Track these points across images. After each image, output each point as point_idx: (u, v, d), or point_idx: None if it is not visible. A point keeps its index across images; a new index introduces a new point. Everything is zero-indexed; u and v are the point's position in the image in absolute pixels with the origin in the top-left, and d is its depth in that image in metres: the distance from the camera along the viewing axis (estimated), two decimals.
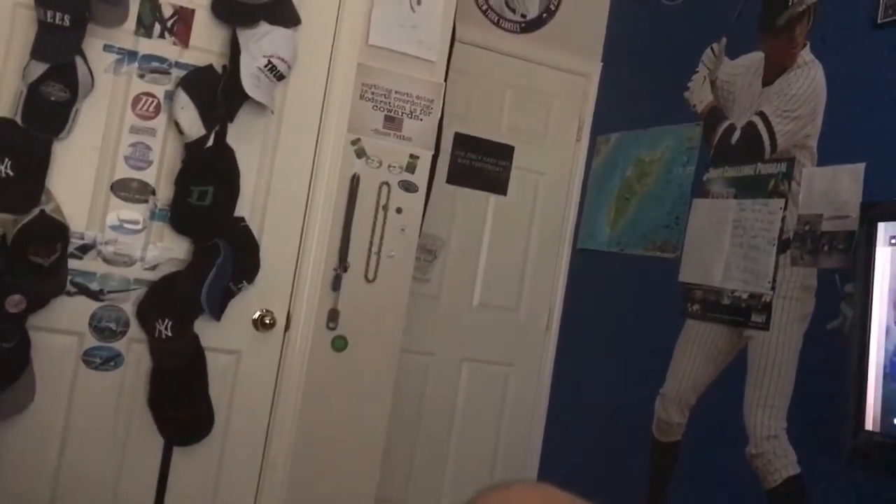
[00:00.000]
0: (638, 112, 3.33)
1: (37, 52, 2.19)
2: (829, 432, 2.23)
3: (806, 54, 2.53)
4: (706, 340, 2.76)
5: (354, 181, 2.60)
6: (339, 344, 2.61)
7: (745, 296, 2.62)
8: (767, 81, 2.69)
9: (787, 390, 2.41)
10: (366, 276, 2.64)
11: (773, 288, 2.51)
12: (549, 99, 3.53)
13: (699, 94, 3.00)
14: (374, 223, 2.64)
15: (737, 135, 2.78)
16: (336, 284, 2.59)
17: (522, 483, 0.39)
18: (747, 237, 2.65)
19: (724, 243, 2.73)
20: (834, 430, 2.17)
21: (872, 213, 2.06)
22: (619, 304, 3.25)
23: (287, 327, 2.56)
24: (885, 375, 1.94)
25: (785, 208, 2.52)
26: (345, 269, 2.60)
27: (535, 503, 0.36)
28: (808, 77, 2.52)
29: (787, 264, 2.48)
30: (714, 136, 2.89)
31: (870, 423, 1.97)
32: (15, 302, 2.18)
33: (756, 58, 2.76)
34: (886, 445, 1.94)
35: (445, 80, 2.72)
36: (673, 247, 2.98)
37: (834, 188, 2.36)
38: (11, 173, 2.19)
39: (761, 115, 2.68)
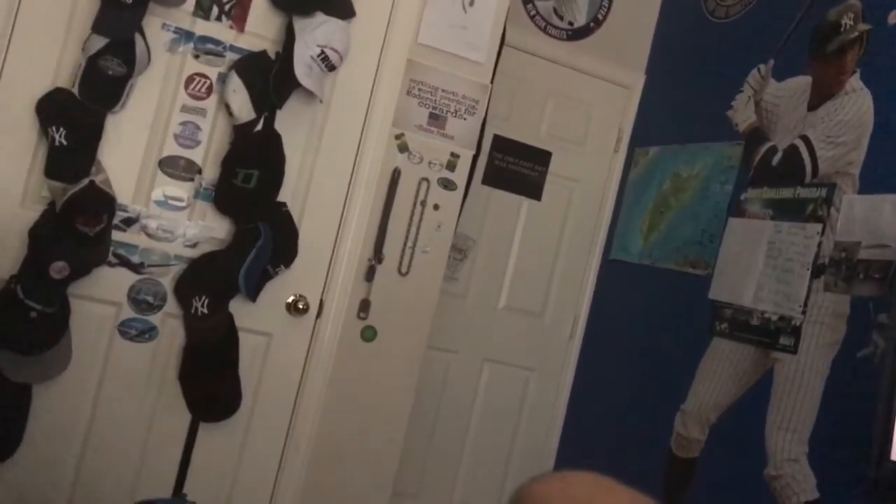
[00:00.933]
0: (678, 127, 3.34)
1: (98, 27, 2.23)
2: (851, 460, 2.23)
3: (855, 81, 2.53)
4: (732, 359, 2.76)
5: (395, 175, 2.63)
6: (369, 334, 2.64)
7: (774, 318, 2.62)
8: (813, 106, 2.69)
9: (810, 415, 2.42)
10: (399, 270, 2.67)
11: (804, 312, 2.51)
12: (589, 108, 3.55)
13: (742, 114, 3.00)
14: (411, 218, 2.67)
15: (778, 157, 2.79)
16: (370, 275, 2.62)
17: (576, 472, 0.39)
18: (781, 259, 2.65)
19: (758, 264, 2.73)
20: (856, 457, 2.18)
21: None
22: (646, 317, 3.26)
23: (319, 314, 2.60)
24: None
25: (822, 233, 2.52)
26: (379, 261, 2.63)
27: (589, 490, 0.36)
28: (856, 104, 2.52)
29: (819, 290, 2.48)
30: (755, 156, 2.89)
31: (895, 453, 1.97)
32: (59, 268, 2.22)
33: (803, 81, 2.76)
34: None
35: (492, 83, 2.75)
36: (705, 264, 2.99)
37: (874, 217, 2.36)
38: (65, 143, 2.23)
39: (804, 138, 2.68)
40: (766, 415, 2.56)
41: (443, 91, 2.66)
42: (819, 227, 2.54)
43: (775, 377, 2.57)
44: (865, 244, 2.36)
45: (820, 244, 2.52)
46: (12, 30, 2.23)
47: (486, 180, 3.39)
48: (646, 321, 3.25)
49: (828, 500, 2.30)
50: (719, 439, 2.75)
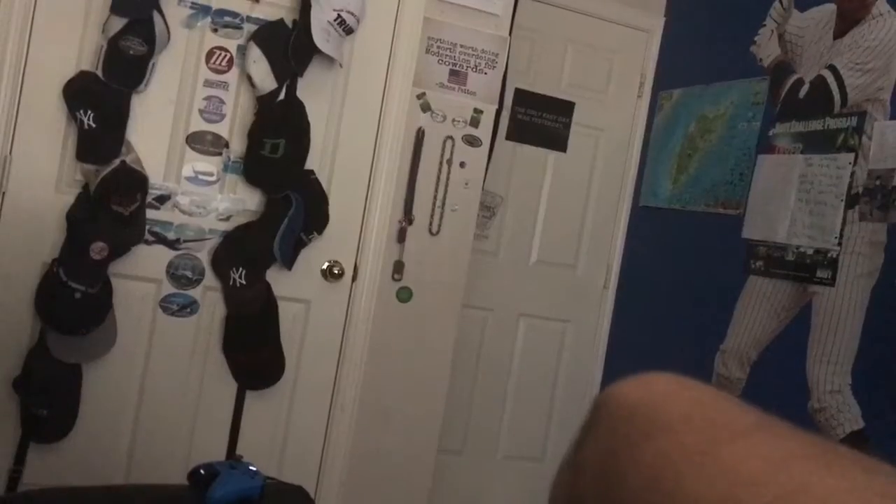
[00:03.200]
0: (701, 67, 3.29)
1: (116, 7, 2.25)
2: (895, 388, 2.23)
3: (882, 5, 2.48)
4: (769, 296, 2.75)
5: (419, 135, 2.64)
6: (404, 295, 2.67)
7: (810, 252, 2.60)
8: (839, 34, 2.64)
9: (852, 346, 2.41)
10: (430, 230, 2.69)
11: (839, 244, 2.49)
12: (610, 55, 3.51)
13: (766, 49, 2.95)
14: (438, 177, 2.68)
15: (805, 89, 2.74)
16: (401, 237, 2.64)
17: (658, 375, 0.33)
18: (814, 192, 2.62)
19: (790, 199, 2.71)
20: None
21: None
22: (680, 261, 3.25)
23: (354, 278, 2.63)
24: None
25: (854, 163, 2.49)
26: (409, 222, 2.65)
27: (672, 387, 0.33)
28: (884, 28, 2.47)
29: (855, 220, 2.46)
30: (781, 90, 2.85)
31: None
32: (98, 249, 2.27)
33: (827, 10, 2.70)
34: None
35: (510, 34, 2.73)
36: (736, 203, 2.97)
37: None
38: (94, 125, 2.27)
39: (832, 68, 2.64)
40: (806, 349, 2.55)
41: (461, 47, 2.65)
42: (851, 156, 2.50)
43: (814, 311, 2.56)
44: None
45: (853, 174, 2.49)
46: (33, 17, 2.26)
47: (511, 136, 3.38)
48: (680, 265, 3.24)
49: (873, 429, 2.30)
50: (761, 377, 2.75)
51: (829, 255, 2.53)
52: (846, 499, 0.24)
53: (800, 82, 2.77)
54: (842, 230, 2.49)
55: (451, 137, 2.67)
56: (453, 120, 2.67)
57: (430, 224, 2.68)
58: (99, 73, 2.28)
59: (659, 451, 0.30)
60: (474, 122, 2.70)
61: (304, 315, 2.58)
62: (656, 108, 3.53)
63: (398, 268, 2.65)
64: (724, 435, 0.29)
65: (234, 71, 2.45)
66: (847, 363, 2.41)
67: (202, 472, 1.54)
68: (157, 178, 2.40)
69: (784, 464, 0.26)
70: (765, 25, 2.97)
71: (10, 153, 2.27)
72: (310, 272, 2.56)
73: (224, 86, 2.45)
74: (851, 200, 2.48)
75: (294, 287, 2.55)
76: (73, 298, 2.24)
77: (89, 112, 2.26)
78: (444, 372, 2.75)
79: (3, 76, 2.23)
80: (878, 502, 0.23)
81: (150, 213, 2.40)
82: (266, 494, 1.52)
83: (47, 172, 2.30)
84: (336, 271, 2.58)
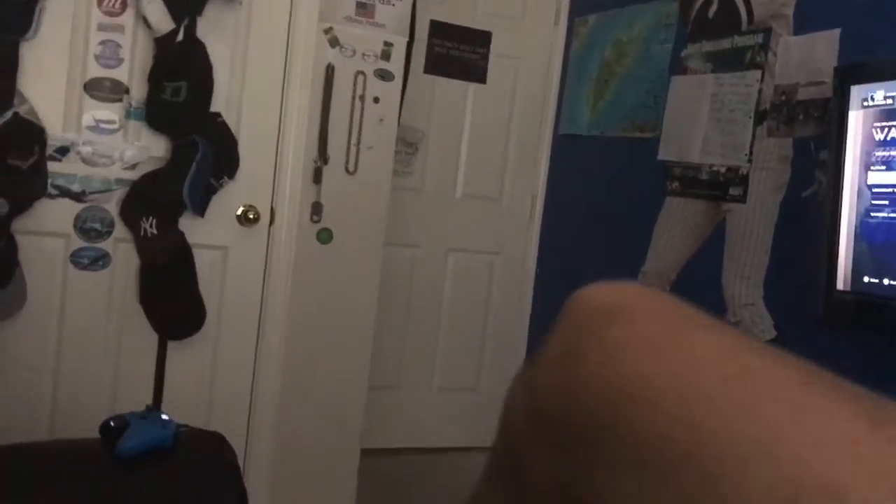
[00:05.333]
0: None
1: None
2: (803, 297, 2.31)
3: None
4: (685, 216, 2.81)
5: (329, 71, 2.58)
6: (324, 236, 2.64)
7: (723, 170, 2.65)
8: None
9: (763, 260, 2.47)
10: (346, 169, 2.65)
11: (749, 160, 2.54)
12: None
13: None
14: (352, 114, 2.63)
15: (714, 8, 2.75)
16: (317, 177, 2.61)
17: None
18: (725, 111, 2.65)
19: (702, 119, 2.74)
20: (808, 294, 2.24)
21: (845, 76, 2.06)
22: (601, 187, 3.28)
23: (271, 221, 2.59)
24: (856, 236, 1.99)
25: (762, 80, 2.52)
26: (325, 162, 2.61)
27: (638, 289, 0.34)
28: None
29: (763, 136, 2.50)
30: (691, 11, 2.85)
31: (841, 283, 2.03)
32: None
33: None
34: (857, 303, 2.01)
35: None
36: (652, 126, 2.99)
37: (810, 56, 2.35)
38: None
39: None
40: (722, 266, 2.62)
41: None
42: (758, 73, 2.53)
43: (727, 228, 2.62)
44: (803, 84, 2.37)
45: (760, 91, 2.52)
46: None
47: (428, 69, 3.33)
48: (601, 191, 3.27)
49: (785, 338, 2.38)
50: (680, 294, 2.78)
51: (740, 172, 2.57)
52: (790, 382, 0.26)
53: (709, 2, 2.78)
54: (751, 147, 2.54)
55: (362, 72, 2.62)
56: (363, 54, 2.61)
57: (347, 163, 2.65)
58: None
59: (619, 336, 0.31)
60: (385, 56, 2.64)
61: (222, 262, 2.55)
62: (573, 35, 3.51)
63: (316, 209, 2.62)
64: (683, 327, 0.31)
65: (129, 12, 2.35)
66: (759, 276, 2.48)
67: (112, 424, 1.52)
68: (55, 129, 2.31)
69: (737, 352, 0.28)
70: None
71: None
72: (225, 218, 2.52)
73: (119, 29, 2.35)
74: (760, 117, 2.52)
75: (209, 234, 2.50)
76: None
77: None
78: (371, 309, 2.75)
79: None
80: (809, 383, 0.26)
81: (52, 166, 2.31)
82: (179, 442, 1.51)
83: None
84: (252, 216, 2.54)
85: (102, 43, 2.34)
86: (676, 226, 2.84)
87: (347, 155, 2.64)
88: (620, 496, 0.27)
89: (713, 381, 0.27)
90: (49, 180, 2.31)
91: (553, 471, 0.31)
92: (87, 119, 2.35)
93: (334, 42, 2.57)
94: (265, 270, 2.60)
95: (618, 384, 0.29)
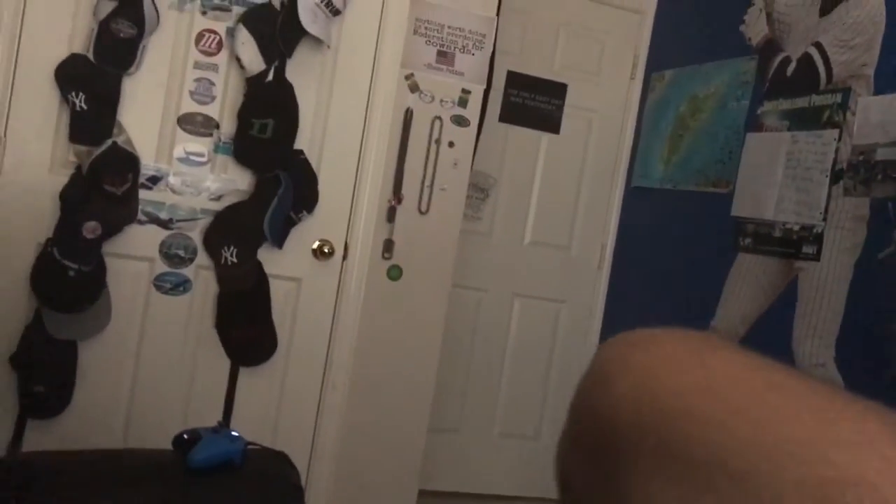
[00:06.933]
0: (693, 48, 3.30)
1: None
2: (877, 359, 2.25)
3: None
4: (757, 273, 2.78)
5: (408, 115, 2.67)
6: (394, 273, 2.71)
7: (796, 228, 2.62)
8: (825, 11, 2.65)
9: (835, 320, 2.43)
10: (419, 209, 2.72)
11: (824, 219, 2.51)
12: (603, 36, 3.53)
13: (755, 28, 2.97)
14: (427, 157, 2.71)
15: (792, 67, 2.76)
16: (391, 216, 2.68)
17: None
18: (800, 169, 2.64)
19: (777, 176, 2.73)
20: (881, 356, 2.19)
21: None
22: (672, 240, 3.27)
23: (345, 256, 2.67)
24: None
25: (839, 139, 2.50)
26: (399, 202, 2.69)
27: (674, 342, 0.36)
28: (867, 5, 2.48)
29: (839, 195, 2.48)
30: (769, 69, 2.86)
31: None
32: (91, 228, 2.32)
33: None
34: None
35: (498, 14, 2.75)
36: (726, 182, 2.99)
37: (890, 117, 2.34)
38: (85, 107, 2.31)
39: (817, 45, 2.65)
40: (792, 324, 2.57)
41: (449, 27, 2.68)
42: (836, 132, 2.52)
43: (800, 286, 2.58)
44: (882, 144, 2.34)
45: (837, 150, 2.50)
46: (25, 1, 2.30)
47: (503, 117, 3.41)
48: (672, 244, 3.27)
49: None
50: None
51: (814, 230, 2.55)
52: (815, 394, 0.28)
53: (787, 60, 2.79)
54: (827, 206, 2.51)
55: (439, 118, 2.71)
56: (441, 100, 2.70)
57: (420, 203, 2.72)
58: (90, 55, 2.32)
59: (646, 360, 0.33)
60: (462, 103, 2.73)
61: (296, 293, 2.63)
62: (649, 90, 3.55)
63: (388, 246, 2.69)
64: (707, 347, 0.32)
65: (224, 53, 2.49)
66: (831, 336, 2.43)
67: (185, 436, 1.59)
68: (148, 159, 2.44)
69: (761, 368, 0.30)
70: (753, 5, 2.98)
71: (5, 136, 2.32)
72: (301, 251, 2.61)
73: (214, 68, 2.49)
74: (836, 176, 2.50)
75: (285, 265, 2.59)
76: (68, 277, 2.29)
77: (81, 94, 2.31)
78: (435, 349, 2.79)
79: None
80: (830, 394, 0.28)
81: (143, 194, 2.44)
82: (248, 458, 1.56)
83: (41, 154, 2.35)
84: (326, 250, 2.62)
85: (197, 80, 2.48)
86: (747, 282, 2.82)
87: (421, 196, 2.72)
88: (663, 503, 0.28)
89: (744, 392, 0.29)
90: (140, 207, 2.44)
91: (599, 490, 0.33)
92: (179, 151, 2.48)
93: (414, 87, 2.67)
94: (336, 303, 2.68)
95: (650, 400, 0.30)
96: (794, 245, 2.62)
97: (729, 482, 0.26)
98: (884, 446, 0.24)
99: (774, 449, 0.25)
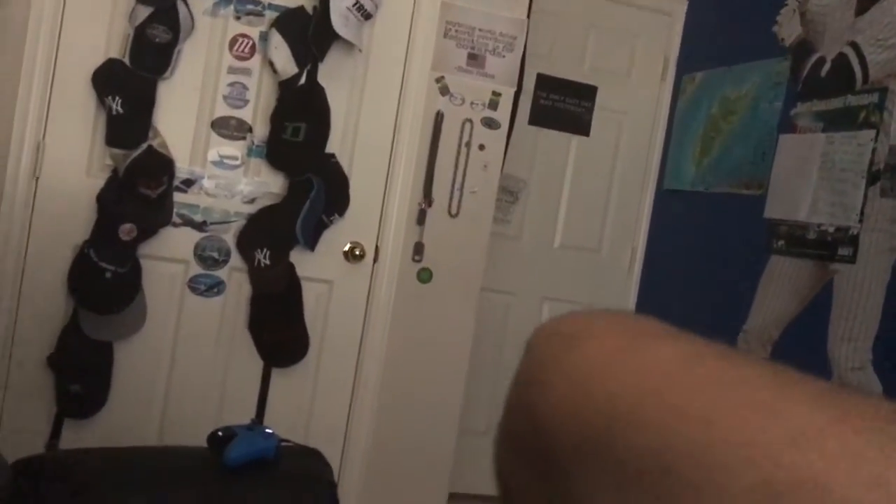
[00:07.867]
0: (724, 49, 3.28)
1: None
2: None
3: None
4: (791, 275, 2.75)
5: (438, 118, 2.68)
6: (425, 276, 2.71)
7: (831, 229, 2.59)
8: (861, 10, 2.62)
9: (873, 322, 2.39)
10: (449, 212, 2.73)
11: (860, 221, 2.48)
12: (633, 38, 3.51)
13: (788, 28, 2.94)
14: (458, 159, 2.72)
15: (827, 67, 2.73)
16: (421, 219, 2.69)
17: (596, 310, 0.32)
18: (835, 170, 2.61)
19: (812, 178, 2.70)
20: None
21: None
22: (704, 242, 3.24)
23: (375, 259, 2.68)
24: None
25: (876, 140, 2.47)
26: (429, 204, 2.69)
27: (593, 312, 0.36)
28: None
29: (876, 196, 2.44)
30: (803, 69, 2.83)
31: None
32: (127, 230, 2.36)
33: None
34: None
35: (528, 17, 2.75)
36: (758, 183, 2.96)
37: None
38: (122, 111, 2.35)
39: (853, 45, 2.62)
40: (827, 327, 2.54)
41: (479, 30, 2.69)
42: (872, 133, 2.49)
43: (835, 289, 2.55)
44: None
45: (874, 150, 2.47)
46: (63, 8, 2.34)
47: (533, 120, 3.40)
48: (703, 246, 3.24)
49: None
50: (782, 356, 2.74)
51: (850, 232, 2.51)
52: (756, 383, 0.26)
53: (821, 61, 2.76)
54: (863, 207, 2.48)
55: (469, 120, 2.71)
56: (472, 103, 2.71)
57: (450, 206, 2.72)
58: (126, 60, 2.36)
59: (582, 356, 0.32)
60: (493, 105, 2.73)
61: (328, 295, 2.65)
62: (680, 91, 3.52)
63: (418, 249, 2.70)
64: (642, 340, 0.32)
65: (257, 57, 2.51)
66: (868, 339, 2.40)
67: (220, 434, 1.60)
68: (183, 162, 2.48)
69: (700, 359, 0.29)
70: (786, 5, 2.95)
71: (44, 139, 2.37)
72: (332, 253, 2.63)
73: (247, 72, 2.51)
74: (873, 177, 2.46)
75: (317, 268, 2.61)
76: (104, 278, 2.33)
77: (117, 98, 2.34)
78: (465, 351, 2.79)
79: (35, 66, 2.32)
80: (774, 382, 0.26)
81: (178, 196, 2.48)
82: (282, 455, 1.58)
83: (78, 157, 2.39)
84: (358, 252, 2.64)
85: (231, 84, 2.51)
86: (781, 285, 2.78)
87: (451, 198, 2.72)
88: None
89: (680, 390, 0.27)
90: (174, 209, 2.47)
91: (535, 491, 0.32)
92: (213, 154, 2.51)
93: (445, 90, 2.68)
94: (367, 305, 2.69)
95: (585, 405, 0.29)
96: (829, 247, 2.59)
97: (677, 492, 0.25)
98: (832, 441, 0.23)
99: (719, 453, 0.24)
